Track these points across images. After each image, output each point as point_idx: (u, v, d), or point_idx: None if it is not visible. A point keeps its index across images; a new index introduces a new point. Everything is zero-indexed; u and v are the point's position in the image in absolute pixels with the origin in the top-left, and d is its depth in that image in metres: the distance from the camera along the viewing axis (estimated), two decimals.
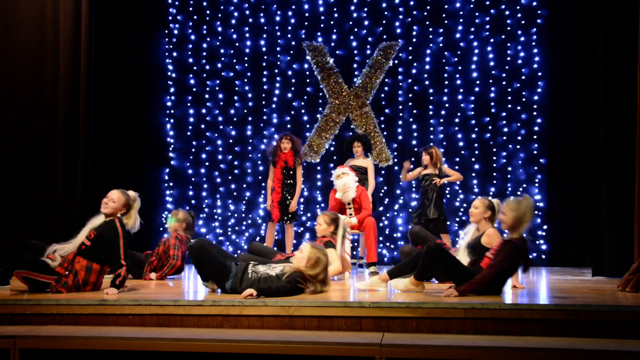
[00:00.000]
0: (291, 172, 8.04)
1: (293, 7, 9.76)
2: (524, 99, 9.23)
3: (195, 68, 9.77)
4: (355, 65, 9.67)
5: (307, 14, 9.76)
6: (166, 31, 9.76)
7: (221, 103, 9.74)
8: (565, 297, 4.57)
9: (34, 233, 6.94)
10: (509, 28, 9.35)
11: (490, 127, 9.32)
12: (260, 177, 9.49)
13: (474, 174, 9.28)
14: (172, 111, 9.71)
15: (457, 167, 9.18)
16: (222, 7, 9.81)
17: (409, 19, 9.59)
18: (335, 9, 9.70)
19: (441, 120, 9.42)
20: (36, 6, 7.31)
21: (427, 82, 9.48)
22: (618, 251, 6.57)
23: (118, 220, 5.06)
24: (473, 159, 9.31)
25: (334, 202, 7.33)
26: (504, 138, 9.28)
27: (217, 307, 4.19)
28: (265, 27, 9.77)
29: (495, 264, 4.65)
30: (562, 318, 3.94)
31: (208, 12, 9.81)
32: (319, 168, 9.59)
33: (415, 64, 9.52)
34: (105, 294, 4.63)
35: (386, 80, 9.59)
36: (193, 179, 9.68)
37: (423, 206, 7.78)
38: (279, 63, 9.75)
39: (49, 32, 7.38)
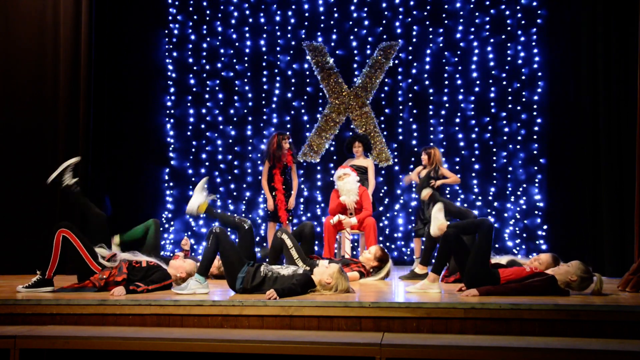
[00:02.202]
0: (288, 171, 8.07)
1: (293, 7, 9.76)
2: (524, 99, 9.23)
3: (195, 68, 9.76)
4: (355, 65, 9.67)
5: (307, 14, 9.76)
6: (166, 31, 9.75)
7: (221, 103, 9.74)
8: (565, 297, 4.57)
9: (34, 233, 6.97)
10: (509, 28, 9.35)
11: (490, 127, 9.32)
12: (260, 177, 9.49)
13: (474, 174, 9.28)
14: (172, 111, 9.71)
15: (457, 167, 9.19)
16: (222, 7, 9.80)
17: (409, 19, 9.59)
18: (335, 9, 9.70)
19: (441, 120, 9.42)
20: (36, 6, 7.31)
21: (427, 82, 9.48)
22: (618, 251, 6.58)
23: (174, 282, 5.11)
24: (473, 159, 9.31)
25: (335, 203, 7.33)
26: (504, 138, 9.28)
27: (217, 307, 4.20)
28: (265, 27, 9.77)
29: (529, 283, 4.62)
30: (562, 318, 3.94)
31: (208, 12, 9.80)
32: (319, 168, 9.59)
33: (415, 64, 9.52)
34: (111, 294, 4.62)
35: (386, 80, 9.59)
36: (193, 179, 9.67)
37: (423, 209, 7.80)
38: (279, 63, 9.75)
39: (49, 32, 7.38)
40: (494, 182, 9.23)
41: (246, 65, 9.76)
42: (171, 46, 9.75)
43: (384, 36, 9.60)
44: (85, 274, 4.93)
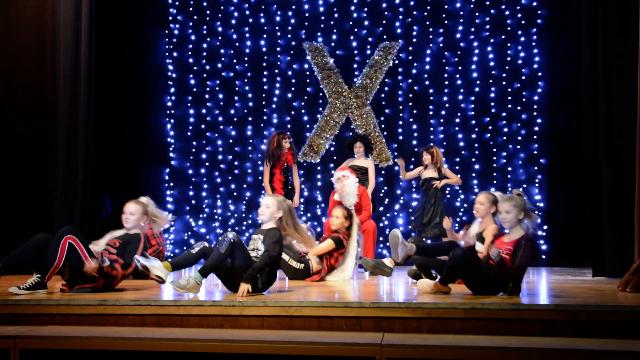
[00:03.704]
0: (289, 171, 8.06)
1: (293, 7, 9.76)
2: (524, 99, 9.24)
3: (195, 68, 9.77)
4: (355, 66, 9.67)
5: (307, 14, 9.76)
6: (166, 31, 9.76)
7: (221, 103, 9.74)
8: (565, 297, 4.57)
9: (33, 233, 6.96)
10: (509, 28, 9.35)
11: (490, 127, 9.32)
12: (260, 177, 9.49)
13: (474, 174, 9.28)
14: (172, 111, 9.71)
15: (457, 167, 9.19)
16: (222, 7, 9.81)
17: (409, 19, 9.59)
18: (335, 9, 9.70)
19: (441, 120, 9.42)
20: (36, 6, 7.31)
21: (427, 82, 9.48)
22: (618, 251, 6.57)
23: (143, 236, 5.18)
24: (473, 159, 9.31)
25: (334, 204, 7.32)
26: (504, 138, 9.28)
27: (218, 307, 4.20)
28: (265, 27, 9.77)
29: (520, 263, 4.59)
30: (562, 318, 3.94)
31: (208, 12, 9.81)
32: (319, 168, 9.59)
33: (415, 64, 9.52)
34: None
35: (386, 80, 9.59)
36: (193, 179, 9.68)
37: (425, 210, 7.85)
38: (279, 63, 9.75)
39: (49, 32, 7.38)
40: (494, 182, 9.23)
41: (246, 65, 9.76)
42: (171, 46, 9.75)
43: (384, 36, 9.60)
44: (85, 279, 4.91)
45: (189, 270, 7.41)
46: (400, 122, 9.50)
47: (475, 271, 4.70)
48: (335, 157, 9.52)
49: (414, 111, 9.48)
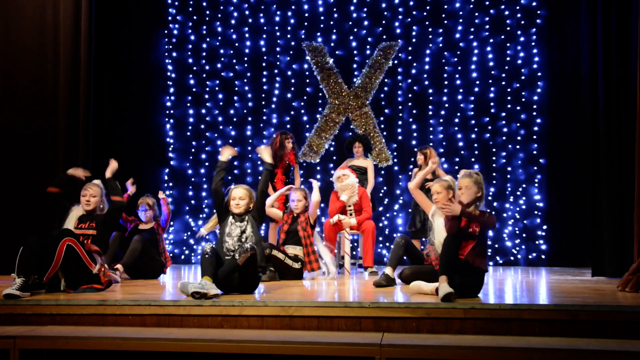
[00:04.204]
0: (291, 171, 8.06)
1: (293, 7, 9.77)
2: (523, 99, 9.24)
3: (195, 68, 9.77)
4: (355, 66, 9.68)
5: (306, 14, 9.77)
6: (166, 31, 9.76)
7: (221, 103, 9.74)
8: (565, 297, 4.57)
9: (33, 233, 6.95)
10: (508, 28, 9.36)
11: (489, 127, 9.33)
12: (259, 178, 9.48)
13: None
14: (172, 111, 9.72)
15: (456, 167, 9.18)
16: (221, 8, 9.81)
17: (409, 19, 9.60)
18: (334, 9, 9.71)
19: (441, 120, 9.43)
20: (36, 6, 7.31)
21: (426, 82, 9.48)
22: (618, 251, 6.58)
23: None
24: (473, 159, 9.32)
25: (334, 204, 7.31)
26: (504, 138, 9.29)
27: (217, 308, 4.19)
28: (264, 28, 9.78)
29: (485, 219, 4.71)
30: (562, 318, 3.94)
31: (208, 12, 9.81)
32: (318, 168, 9.59)
33: (414, 64, 9.53)
34: None
35: (386, 80, 9.59)
36: (193, 179, 9.68)
37: (418, 211, 7.83)
38: (278, 63, 9.76)
39: (49, 32, 7.38)
40: (494, 182, 9.24)
41: (246, 65, 9.77)
42: (171, 46, 9.76)
43: (384, 36, 9.61)
44: (86, 279, 4.93)
45: (189, 276, 7.42)
46: (400, 122, 9.51)
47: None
48: (334, 157, 9.52)
49: (414, 111, 9.49)
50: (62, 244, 4.80)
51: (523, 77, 9.27)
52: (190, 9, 9.80)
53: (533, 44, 9.28)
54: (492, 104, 9.34)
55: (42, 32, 7.35)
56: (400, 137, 9.49)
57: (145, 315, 4.23)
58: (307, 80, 9.73)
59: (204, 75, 9.77)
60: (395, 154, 9.46)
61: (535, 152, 9.18)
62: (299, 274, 6.35)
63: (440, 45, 9.51)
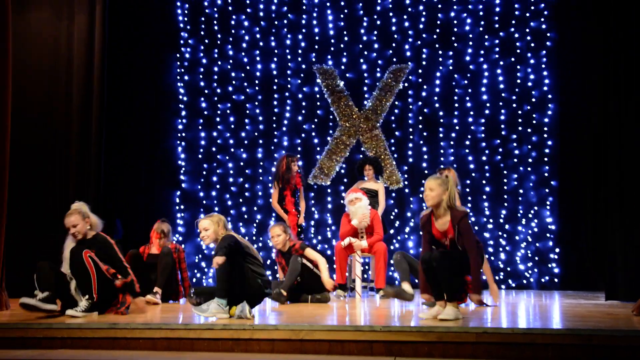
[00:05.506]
0: (298, 193, 8.09)
1: (303, 30, 9.84)
2: (534, 121, 9.23)
3: (206, 91, 9.83)
4: (365, 88, 9.72)
5: (317, 38, 9.83)
6: (178, 55, 9.84)
7: (232, 126, 9.79)
8: (579, 322, 4.52)
9: (45, 256, 6.96)
10: (518, 51, 9.38)
11: (500, 150, 9.31)
12: (271, 200, 9.50)
13: (484, 197, 9.25)
14: (184, 134, 9.77)
15: (467, 190, 9.17)
16: (233, 31, 9.90)
17: (419, 42, 9.64)
18: (345, 33, 9.77)
19: (451, 142, 9.42)
20: (50, 31, 7.39)
21: (437, 105, 9.50)
22: (632, 275, 6.51)
23: (102, 232, 5.37)
24: (484, 181, 9.29)
25: (345, 227, 7.31)
26: (515, 160, 9.26)
27: (228, 331, 4.19)
28: (275, 51, 9.85)
29: (472, 243, 4.74)
30: (575, 343, 3.90)
31: (219, 36, 9.90)
32: (329, 191, 9.59)
33: (425, 87, 9.56)
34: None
35: (396, 102, 9.62)
36: (204, 202, 9.70)
37: None
38: (289, 86, 9.81)
39: (63, 57, 7.45)
40: (505, 204, 9.20)
41: (257, 88, 9.82)
42: (183, 70, 9.83)
43: (394, 59, 9.65)
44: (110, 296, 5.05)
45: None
46: (411, 145, 9.51)
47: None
48: (345, 180, 9.52)
49: (424, 133, 9.49)
50: (85, 257, 4.88)
51: (534, 100, 9.27)
52: (202, 33, 9.90)
53: (543, 66, 9.29)
54: (502, 126, 9.33)
55: (56, 57, 7.43)
56: (411, 160, 9.49)
57: (155, 339, 4.23)
58: (318, 103, 9.77)
59: (216, 98, 9.83)
60: (406, 176, 9.45)
61: (546, 174, 9.15)
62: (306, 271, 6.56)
63: (451, 67, 9.54)
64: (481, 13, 9.51)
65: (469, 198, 8.94)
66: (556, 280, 8.90)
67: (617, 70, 6.80)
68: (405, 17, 9.66)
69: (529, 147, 9.23)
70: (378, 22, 9.69)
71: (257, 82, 9.83)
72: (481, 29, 9.49)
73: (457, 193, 5.51)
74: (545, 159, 9.16)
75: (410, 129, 9.54)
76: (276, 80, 9.82)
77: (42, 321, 4.54)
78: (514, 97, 9.32)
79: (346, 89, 9.68)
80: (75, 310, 4.86)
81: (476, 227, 9.13)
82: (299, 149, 9.63)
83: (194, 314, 4.90)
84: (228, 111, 9.81)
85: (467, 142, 9.39)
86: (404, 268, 6.35)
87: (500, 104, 9.36)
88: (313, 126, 9.74)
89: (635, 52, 6.66)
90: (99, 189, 7.75)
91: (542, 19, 9.33)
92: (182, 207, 9.65)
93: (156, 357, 3.95)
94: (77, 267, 4.96)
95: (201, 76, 9.84)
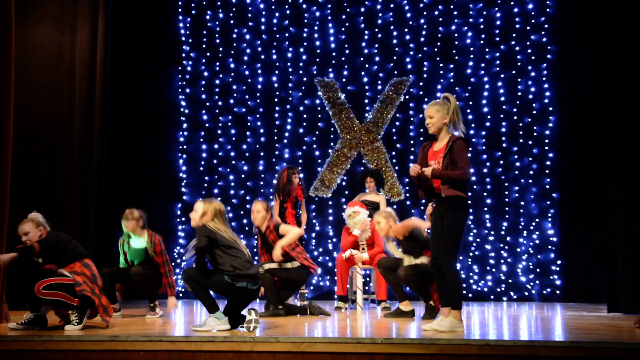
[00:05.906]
0: (299, 205, 8.08)
1: (305, 43, 9.87)
2: (535, 134, 9.25)
3: (208, 104, 9.85)
4: (366, 101, 9.74)
5: (318, 50, 9.87)
6: (179, 68, 9.87)
7: (233, 138, 9.80)
8: (581, 334, 4.51)
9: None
10: (519, 64, 9.41)
11: (501, 162, 9.32)
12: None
13: (486, 209, 9.25)
14: (185, 146, 9.78)
15: (469, 202, 9.14)
16: (234, 44, 9.93)
17: (420, 55, 9.67)
18: (346, 45, 9.81)
19: None
20: (53, 45, 7.43)
21: None
22: (634, 287, 6.49)
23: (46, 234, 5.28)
24: (485, 194, 9.29)
25: (346, 240, 7.31)
26: (516, 172, 9.27)
27: (229, 343, 4.17)
28: (277, 64, 9.88)
29: (462, 163, 4.90)
30: (577, 355, 3.89)
31: (221, 49, 9.93)
32: (330, 203, 9.59)
33: (426, 99, 9.57)
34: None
35: (397, 115, 9.64)
36: None
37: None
38: (290, 99, 9.83)
39: (65, 70, 7.48)
40: (507, 216, 9.20)
41: (258, 101, 9.85)
42: (184, 83, 9.86)
43: (395, 72, 9.68)
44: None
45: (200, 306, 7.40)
46: (412, 157, 9.52)
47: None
48: (346, 192, 9.52)
49: None
50: (40, 294, 4.87)
51: (534, 112, 9.29)
52: (204, 46, 9.93)
53: (544, 79, 9.32)
54: (503, 138, 9.35)
55: (59, 70, 7.46)
56: None
57: (157, 352, 4.21)
58: (319, 116, 9.79)
59: (217, 111, 9.85)
60: (407, 188, 9.46)
61: (548, 187, 9.15)
62: (304, 272, 6.45)
63: (451, 80, 9.57)
64: (482, 26, 9.56)
65: (471, 210, 8.88)
66: (558, 292, 8.88)
67: (617, 71, 6.80)
68: (406, 30, 9.70)
69: (530, 159, 9.24)
70: (379, 35, 9.74)
71: (258, 94, 9.86)
72: (482, 42, 9.53)
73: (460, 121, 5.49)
74: (547, 171, 9.17)
75: (412, 141, 9.56)
76: (277, 93, 9.85)
77: (43, 333, 4.52)
78: (514, 110, 9.35)
79: (347, 102, 9.70)
80: (72, 325, 4.82)
81: (478, 240, 9.13)
82: (300, 161, 9.63)
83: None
84: (229, 123, 9.83)
85: (468, 155, 9.36)
86: (394, 283, 6.33)
87: (501, 116, 9.38)
88: (314, 138, 9.75)
89: (635, 52, 6.68)
90: (100, 201, 7.76)
91: (543, 32, 9.37)
92: (183, 219, 9.65)
93: None
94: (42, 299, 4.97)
95: (203, 89, 9.87)
